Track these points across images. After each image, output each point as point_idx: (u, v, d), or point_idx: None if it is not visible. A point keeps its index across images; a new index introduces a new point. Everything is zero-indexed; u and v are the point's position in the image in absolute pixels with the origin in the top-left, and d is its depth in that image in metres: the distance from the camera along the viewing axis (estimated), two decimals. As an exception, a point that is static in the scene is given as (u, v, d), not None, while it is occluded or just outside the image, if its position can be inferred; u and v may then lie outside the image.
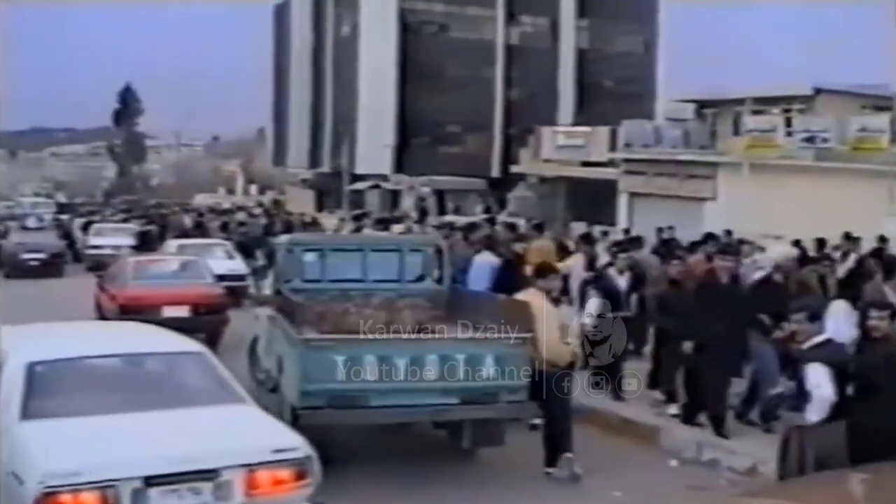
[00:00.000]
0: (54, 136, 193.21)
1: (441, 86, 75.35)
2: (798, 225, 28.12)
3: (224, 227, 35.13)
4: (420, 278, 14.37)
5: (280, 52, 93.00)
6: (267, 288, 15.92)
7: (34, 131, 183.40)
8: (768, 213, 32.16)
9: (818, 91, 42.48)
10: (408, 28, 77.07)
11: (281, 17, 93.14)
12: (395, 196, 68.98)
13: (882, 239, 24.62)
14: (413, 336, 11.48)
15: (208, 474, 7.82)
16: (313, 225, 34.58)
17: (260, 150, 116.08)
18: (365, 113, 74.00)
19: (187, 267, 21.81)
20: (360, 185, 70.98)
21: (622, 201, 44.37)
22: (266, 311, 14.93)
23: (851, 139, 34.92)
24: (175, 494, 7.73)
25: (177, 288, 20.28)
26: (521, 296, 11.76)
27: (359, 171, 71.87)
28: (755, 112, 44.60)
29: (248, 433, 8.52)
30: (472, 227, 27.39)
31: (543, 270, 12.06)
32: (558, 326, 11.58)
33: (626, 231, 30.19)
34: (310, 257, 14.09)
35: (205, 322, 19.91)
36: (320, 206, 70.77)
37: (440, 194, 64.83)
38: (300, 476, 8.18)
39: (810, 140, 35.75)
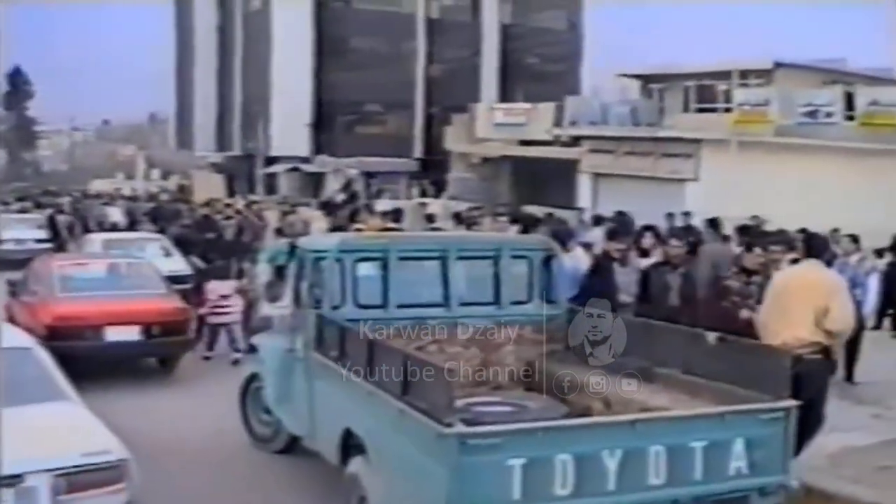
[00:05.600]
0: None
1: (359, 62, 70.73)
2: (794, 209, 25.47)
3: (156, 218, 30.04)
4: (524, 297, 10.06)
5: (182, 31, 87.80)
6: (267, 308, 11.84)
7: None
8: (758, 196, 28.96)
9: (778, 65, 39.60)
10: (322, 1, 72.23)
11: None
12: (316, 179, 64.61)
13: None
14: (629, 416, 7.10)
15: (10, 480, 7.40)
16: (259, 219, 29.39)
17: (154, 133, 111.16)
18: (278, 92, 68.95)
19: (132, 271, 16.94)
20: (276, 168, 66.66)
21: (584, 182, 40.74)
22: (275, 341, 10.64)
23: (861, 114, 31.48)
24: None
25: (122, 301, 15.40)
26: (808, 269, 9.46)
27: (273, 153, 67.80)
28: (704, 87, 42.84)
29: (59, 435, 8.13)
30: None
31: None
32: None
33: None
34: (366, 270, 9.62)
35: (161, 346, 15.38)
36: (231, 191, 66.01)
37: (367, 177, 60.58)
38: (113, 481, 7.81)
39: (812, 115, 32.21)
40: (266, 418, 11.30)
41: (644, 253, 13.33)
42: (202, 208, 31.78)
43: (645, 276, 12.37)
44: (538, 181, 43.66)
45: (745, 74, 40.54)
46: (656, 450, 6.75)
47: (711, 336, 8.16)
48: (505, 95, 68.90)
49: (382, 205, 33.13)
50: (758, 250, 11.63)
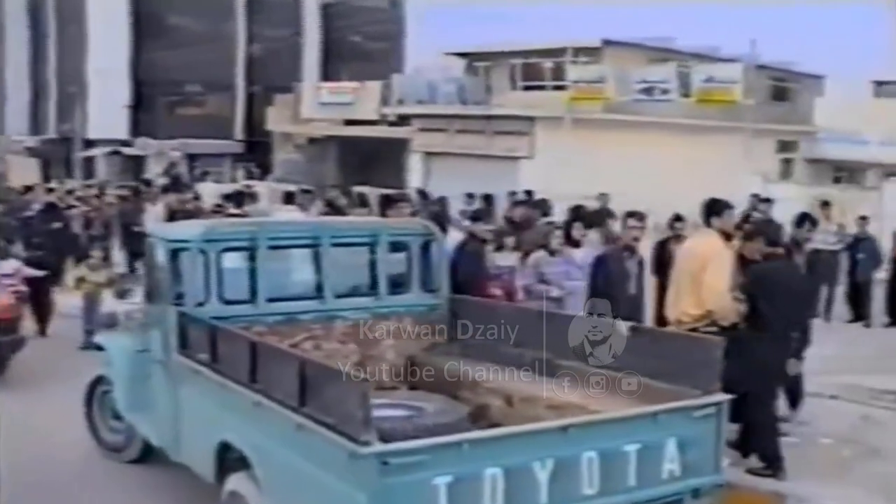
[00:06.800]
0: None
1: (178, 42, 69.03)
2: (630, 185, 25.60)
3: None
4: (403, 286, 9.39)
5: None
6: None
7: None
8: (594, 173, 28.93)
9: (607, 43, 39.66)
10: (139, -22, 70.27)
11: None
12: (137, 162, 62.64)
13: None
14: (560, 423, 6.45)
15: None
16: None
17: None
18: (95, 72, 66.93)
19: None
20: (94, 152, 64.49)
21: (415, 161, 40.31)
22: (125, 340, 9.75)
23: (697, 90, 31.78)
24: None
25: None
26: (696, 239, 9.61)
27: (91, 135, 65.54)
28: (530, 65, 42.74)
29: None
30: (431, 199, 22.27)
31: (719, 205, 9.52)
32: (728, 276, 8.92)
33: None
34: (232, 261, 8.78)
35: (-10, 346, 14.18)
36: (47, 176, 63.70)
37: (190, 159, 59.12)
38: None
39: (648, 92, 32.38)
40: (116, 425, 10.37)
41: (575, 244, 12.50)
42: (46, 195, 29.98)
43: (599, 262, 11.43)
44: (367, 161, 43.23)
45: (575, 52, 40.48)
46: (589, 456, 6.24)
47: (624, 326, 7.64)
48: (328, 75, 67.96)
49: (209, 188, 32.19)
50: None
